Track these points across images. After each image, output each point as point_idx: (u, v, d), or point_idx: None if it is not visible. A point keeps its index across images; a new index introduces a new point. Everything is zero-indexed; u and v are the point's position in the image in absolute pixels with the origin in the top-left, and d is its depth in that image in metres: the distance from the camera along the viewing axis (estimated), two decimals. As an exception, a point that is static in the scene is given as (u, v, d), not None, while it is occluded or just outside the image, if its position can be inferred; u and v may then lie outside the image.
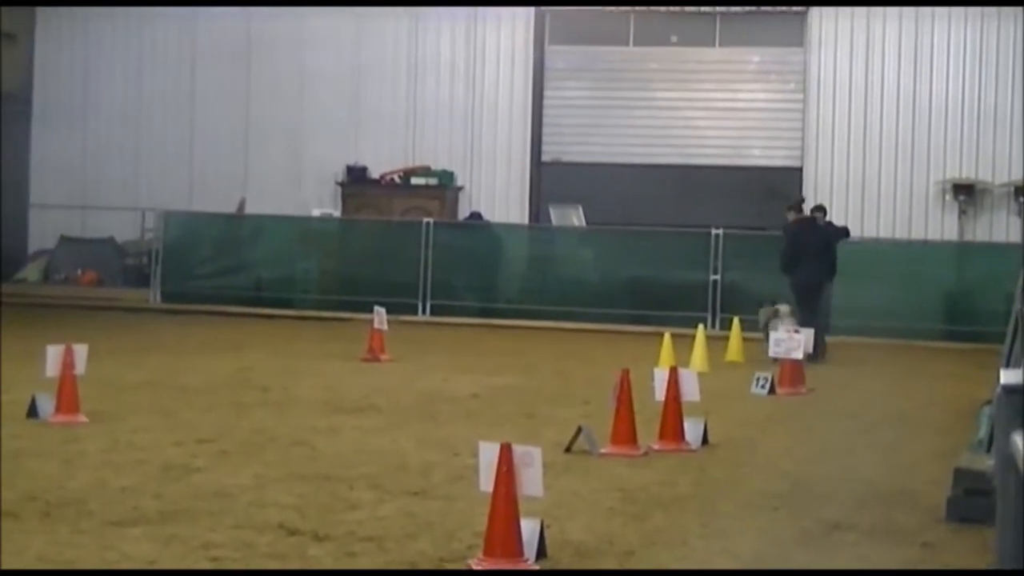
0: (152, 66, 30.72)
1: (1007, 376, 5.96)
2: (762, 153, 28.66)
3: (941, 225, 27.39)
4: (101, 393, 13.74)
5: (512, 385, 16.57)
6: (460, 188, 29.28)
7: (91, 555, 7.72)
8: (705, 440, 12.24)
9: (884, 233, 27.22)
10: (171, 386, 15.45)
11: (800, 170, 28.18)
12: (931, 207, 27.57)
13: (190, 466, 10.49)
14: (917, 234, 27.25)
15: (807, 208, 22.61)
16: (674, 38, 29.04)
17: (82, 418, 12.43)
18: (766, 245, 26.19)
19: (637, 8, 28.77)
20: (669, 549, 8.42)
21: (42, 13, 31.25)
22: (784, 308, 19.88)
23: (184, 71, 30.54)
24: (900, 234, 27.25)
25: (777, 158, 28.57)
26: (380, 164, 29.28)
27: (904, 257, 26.25)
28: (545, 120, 29.49)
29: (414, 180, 29.13)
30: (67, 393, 12.50)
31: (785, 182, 28.08)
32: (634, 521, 9.07)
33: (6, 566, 7.44)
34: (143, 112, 30.64)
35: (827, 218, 25.39)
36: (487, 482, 7.64)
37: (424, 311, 26.47)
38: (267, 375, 16.79)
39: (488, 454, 7.68)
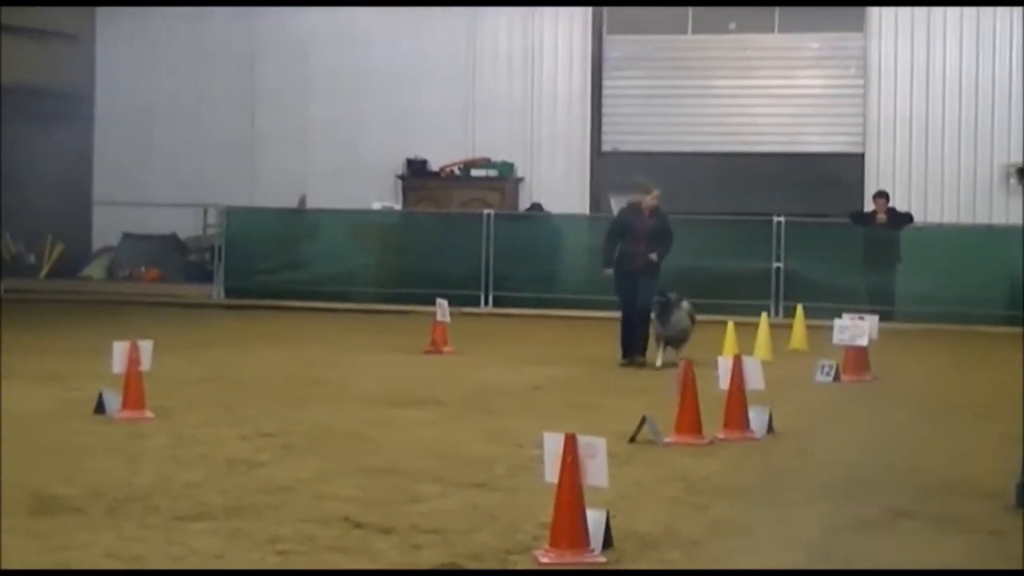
0: (212, 64, 30.82)
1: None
2: (822, 140, 28.45)
3: (1006, 209, 27.09)
4: (166, 389, 13.82)
5: (574, 376, 16.55)
6: (520, 179, 29.26)
7: (157, 550, 7.77)
8: (770, 428, 12.18)
9: (948, 218, 26.95)
10: (234, 381, 15.54)
11: (862, 156, 27.98)
12: (995, 191, 27.29)
13: (254, 460, 10.54)
14: (981, 219, 26.97)
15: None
16: (732, 25, 28.87)
17: (148, 414, 12.49)
18: (828, 232, 26.10)
19: (694, -4, 28.65)
20: (733, 539, 8.39)
21: (102, 14, 31.48)
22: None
23: (244, 68, 30.64)
24: (964, 219, 26.97)
25: (838, 144, 28.37)
26: (440, 157, 29.30)
27: (968, 242, 26.00)
28: (604, 110, 29.40)
29: (474, 172, 29.14)
30: (133, 389, 12.55)
31: (846, 169, 27.93)
32: (698, 511, 9.05)
33: (74, 562, 7.50)
34: (203, 109, 30.78)
35: (889, 204, 25.31)
36: (552, 473, 7.63)
37: (486, 303, 26.47)
38: (330, 369, 16.85)
39: (553, 445, 7.67)
